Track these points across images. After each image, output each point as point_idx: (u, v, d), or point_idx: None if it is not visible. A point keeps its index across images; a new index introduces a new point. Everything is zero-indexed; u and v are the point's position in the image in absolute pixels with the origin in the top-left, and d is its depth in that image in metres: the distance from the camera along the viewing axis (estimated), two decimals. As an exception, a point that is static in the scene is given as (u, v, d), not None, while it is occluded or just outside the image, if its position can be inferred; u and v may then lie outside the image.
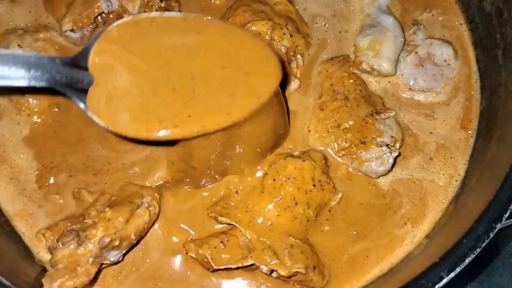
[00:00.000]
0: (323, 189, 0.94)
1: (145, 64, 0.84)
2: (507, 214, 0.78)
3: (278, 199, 0.92)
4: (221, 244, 0.90)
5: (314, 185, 0.93)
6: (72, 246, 0.87)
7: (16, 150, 1.02)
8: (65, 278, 0.86)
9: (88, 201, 0.97)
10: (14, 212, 0.99)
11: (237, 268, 0.90)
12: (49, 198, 0.99)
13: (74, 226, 0.90)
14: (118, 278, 0.95)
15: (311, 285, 0.93)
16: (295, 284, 0.94)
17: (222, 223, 0.95)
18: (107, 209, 0.90)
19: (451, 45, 1.10)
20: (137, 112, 0.82)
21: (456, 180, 1.02)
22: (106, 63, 0.84)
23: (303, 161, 0.94)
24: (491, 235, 0.76)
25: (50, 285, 0.85)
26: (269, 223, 0.92)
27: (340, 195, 0.96)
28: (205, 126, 0.82)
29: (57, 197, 0.99)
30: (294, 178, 0.92)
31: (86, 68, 0.83)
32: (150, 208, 0.94)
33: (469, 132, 1.06)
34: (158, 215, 0.97)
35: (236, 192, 0.96)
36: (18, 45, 1.05)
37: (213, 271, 0.93)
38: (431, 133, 1.05)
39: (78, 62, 0.83)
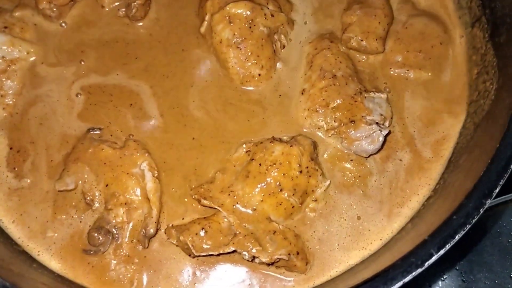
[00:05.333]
0: (310, 176, 0.92)
1: None
2: (497, 190, 0.77)
3: (263, 184, 0.90)
4: (202, 230, 0.88)
5: (300, 171, 0.91)
6: (113, 245, 0.91)
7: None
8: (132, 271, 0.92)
9: (77, 184, 0.94)
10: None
11: (219, 254, 0.89)
12: (27, 185, 0.96)
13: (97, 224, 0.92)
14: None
15: (295, 270, 0.91)
16: (278, 268, 0.93)
17: (205, 206, 0.92)
18: (117, 193, 0.90)
19: (440, 21, 1.08)
20: None
21: (442, 159, 1.00)
22: None
23: (291, 146, 0.91)
24: (481, 211, 0.75)
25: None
26: (253, 208, 0.90)
27: (328, 182, 0.94)
28: None
29: (28, 181, 0.96)
30: (280, 163, 0.90)
31: None
32: (155, 173, 0.94)
33: (458, 110, 1.04)
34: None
35: (222, 175, 0.94)
36: (5, 27, 1.01)
37: (194, 257, 0.91)
38: (417, 111, 1.03)
39: None
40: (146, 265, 0.92)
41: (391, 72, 1.05)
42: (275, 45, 1.03)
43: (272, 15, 1.00)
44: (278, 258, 0.88)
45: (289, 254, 0.88)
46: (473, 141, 0.95)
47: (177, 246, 0.91)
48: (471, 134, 0.97)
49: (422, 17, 1.08)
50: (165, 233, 0.92)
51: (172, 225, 0.92)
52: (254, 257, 0.89)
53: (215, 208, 0.91)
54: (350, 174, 0.98)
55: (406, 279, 0.71)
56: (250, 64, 1.00)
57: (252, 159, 0.92)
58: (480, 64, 1.03)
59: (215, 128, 1.00)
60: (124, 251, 0.91)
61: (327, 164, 0.99)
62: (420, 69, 1.05)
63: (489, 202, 0.76)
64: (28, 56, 1.02)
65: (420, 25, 1.06)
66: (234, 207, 0.90)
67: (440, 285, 1.09)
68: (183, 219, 0.95)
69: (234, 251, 0.89)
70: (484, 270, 1.11)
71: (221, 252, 0.88)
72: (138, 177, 0.92)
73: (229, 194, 0.91)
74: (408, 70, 1.05)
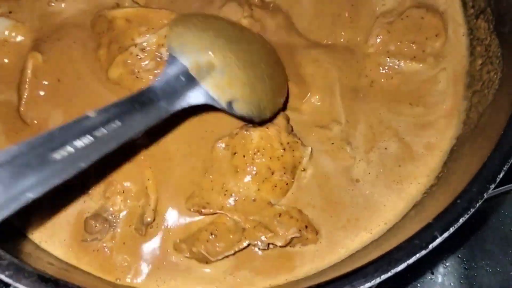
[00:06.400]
0: (293, 150, 0.92)
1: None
2: (501, 176, 0.78)
3: (254, 173, 0.90)
4: (211, 236, 0.88)
5: (284, 149, 0.91)
6: (110, 233, 0.90)
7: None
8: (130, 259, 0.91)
9: None
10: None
11: (235, 253, 0.89)
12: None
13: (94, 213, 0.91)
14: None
15: (308, 243, 0.92)
16: (293, 247, 0.93)
17: (207, 215, 0.91)
18: (114, 182, 0.90)
19: (438, 13, 1.08)
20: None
21: (441, 151, 1.01)
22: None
23: (267, 128, 0.90)
24: (485, 195, 0.76)
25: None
26: (253, 199, 0.90)
27: (309, 149, 0.94)
28: None
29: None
30: (264, 148, 0.90)
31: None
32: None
33: (458, 99, 1.04)
34: None
35: (210, 177, 0.92)
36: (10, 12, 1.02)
37: (211, 263, 0.91)
38: (417, 102, 1.04)
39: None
40: (144, 252, 0.91)
41: (384, 61, 1.05)
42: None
43: None
44: (291, 238, 0.88)
45: (299, 230, 0.89)
46: (477, 130, 0.96)
47: (191, 259, 0.90)
48: (475, 123, 0.98)
49: (420, 9, 1.07)
50: (175, 249, 0.91)
51: (180, 239, 0.91)
52: (269, 244, 0.89)
53: (217, 213, 0.90)
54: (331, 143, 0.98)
55: (410, 261, 0.72)
56: None
57: (235, 153, 0.91)
58: (484, 55, 1.04)
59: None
60: (122, 239, 0.91)
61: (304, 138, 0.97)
62: (411, 60, 1.05)
63: (492, 188, 0.77)
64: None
65: (416, 17, 1.06)
66: (234, 205, 0.89)
67: (443, 273, 1.10)
68: (187, 228, 0.92)
69: (248, 245, 0.89)
70: (486, 258, 1.13)
71: (236, 249, 0.88)
72: None
73: (224, 195, 0.90)
74: (399, 61, 1.05)
